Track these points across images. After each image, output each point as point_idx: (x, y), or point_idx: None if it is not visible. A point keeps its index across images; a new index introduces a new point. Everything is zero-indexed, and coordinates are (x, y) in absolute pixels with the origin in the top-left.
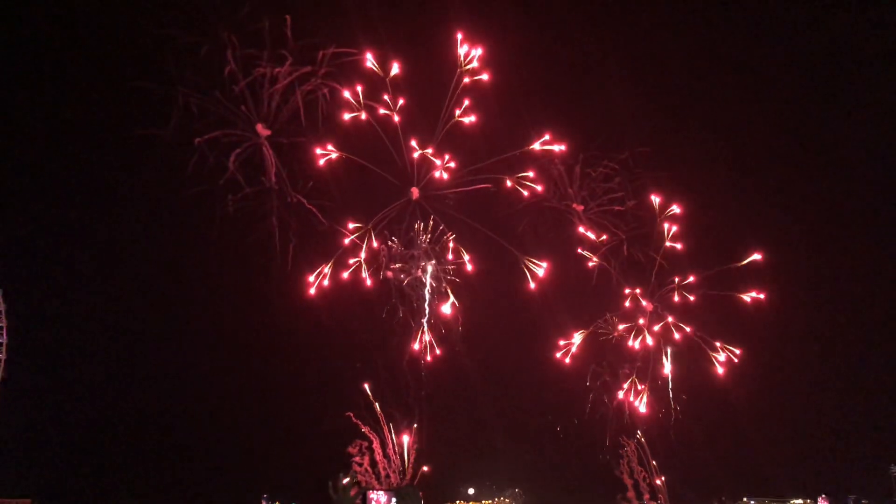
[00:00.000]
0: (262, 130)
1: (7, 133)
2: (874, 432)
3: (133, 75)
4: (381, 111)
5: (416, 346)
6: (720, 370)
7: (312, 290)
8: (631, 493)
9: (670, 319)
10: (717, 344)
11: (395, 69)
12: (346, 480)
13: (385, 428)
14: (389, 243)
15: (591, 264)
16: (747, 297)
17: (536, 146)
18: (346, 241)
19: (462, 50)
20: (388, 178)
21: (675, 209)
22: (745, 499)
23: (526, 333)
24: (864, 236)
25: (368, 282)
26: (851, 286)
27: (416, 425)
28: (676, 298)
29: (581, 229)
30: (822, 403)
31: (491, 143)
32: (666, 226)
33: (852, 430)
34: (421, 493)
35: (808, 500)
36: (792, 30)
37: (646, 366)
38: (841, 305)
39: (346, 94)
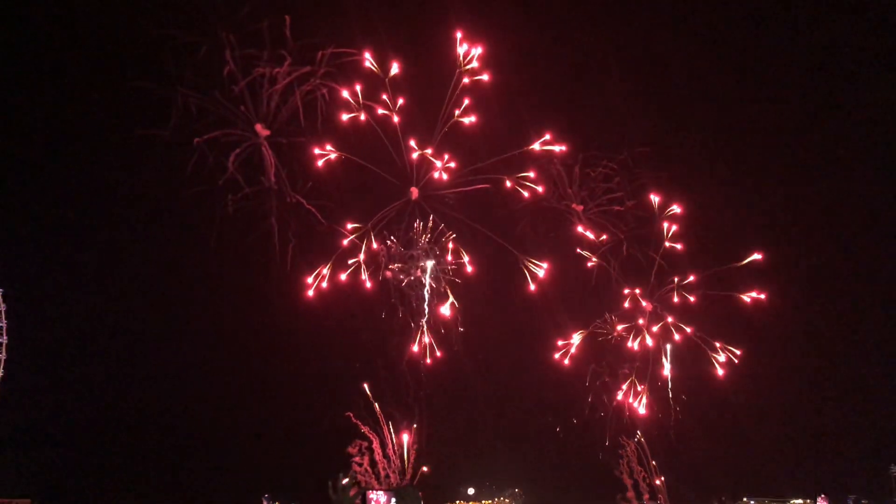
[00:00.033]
0: (261, 130)
1: (7, 133)
2: (874, 432)
3: (133, 75)
4: (381, 111)
5: (416, 347)
6: (720, 370)
7: (311, 291)
8: (631, 494)
9: (670, 320)
10: (717, 344)
11: (395, 69)
12: (345, 480)
13: (385, 428)
14: (389, 243)
15: (590, 264)
16: (747, 298)
17: (536, 146)
18: (346, 241)
19: (461, 50)
20: (388, 179)
21: (675, 209)
22: (745, 499)
23: (525, 334)
24: (863, 236)
25: (368, 282)
26: (851, 286)
27: (415, 425)
28: (676, 299)
29: (580, 229)
30: (822, 403)
31: (490, 144)
32: (665, 226)
33: (852, 430)
34: (421, 493)
35: (808, 500)
36: (792, 30)
37: (645, 366)
38: (841, 305)
39: (346, 94)
